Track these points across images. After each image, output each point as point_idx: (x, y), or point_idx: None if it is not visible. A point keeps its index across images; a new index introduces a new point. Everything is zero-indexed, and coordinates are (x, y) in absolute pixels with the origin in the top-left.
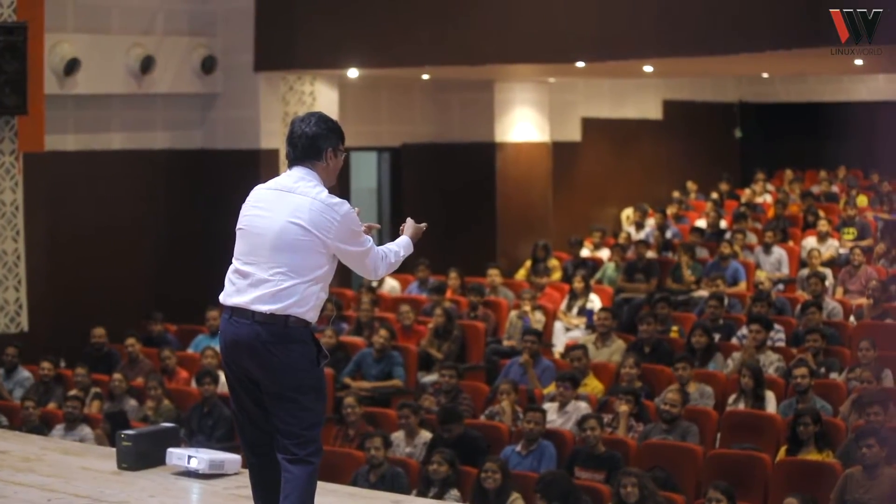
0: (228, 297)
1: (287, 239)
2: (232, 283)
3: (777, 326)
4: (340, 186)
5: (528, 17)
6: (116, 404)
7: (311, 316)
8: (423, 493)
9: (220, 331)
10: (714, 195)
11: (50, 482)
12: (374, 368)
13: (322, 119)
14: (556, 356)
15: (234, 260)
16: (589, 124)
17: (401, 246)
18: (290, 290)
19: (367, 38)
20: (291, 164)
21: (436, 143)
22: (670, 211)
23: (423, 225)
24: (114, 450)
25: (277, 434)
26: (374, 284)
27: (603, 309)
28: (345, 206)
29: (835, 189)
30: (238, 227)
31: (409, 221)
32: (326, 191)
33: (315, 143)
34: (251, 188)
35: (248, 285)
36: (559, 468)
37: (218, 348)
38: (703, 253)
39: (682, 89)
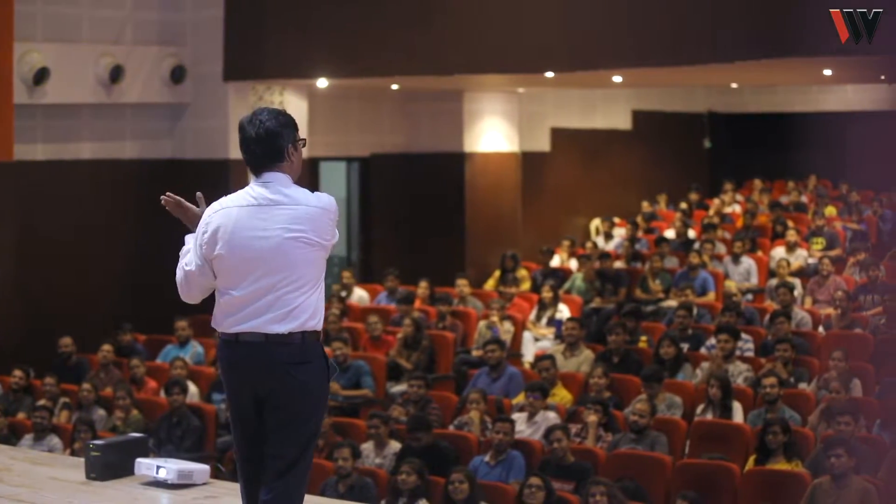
0: (231, 326)
1: (291, 254)
2: (231, 314)
3: (745, 336)
4: None
5: (497, 27)
6: (85, 414)
7: (321, 324)
8: None
9: (223, 357)
10: (683, 205)
11: (19, 492)
12: (340, 379)
13: (272, 116)
14: (527, 366)
15: (226, 291)
16: (558, 134)
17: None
18: (303, 305)
19: (337, 49)
20: (257, 171)
21: (405, 154)
22: (642, 220)
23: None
24: (82, 460)
25: (269, 461)
26: (343, 294)
27: (571, 319)
28: (333, 201)
29: (804, 199)
30: (218, 252)
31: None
32: (310, 192)
33: (275, 145)
34: (219, 198)
35: (254, 310)
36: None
37: (188, 359)
38: (671, 263)
39: (651, 100)
